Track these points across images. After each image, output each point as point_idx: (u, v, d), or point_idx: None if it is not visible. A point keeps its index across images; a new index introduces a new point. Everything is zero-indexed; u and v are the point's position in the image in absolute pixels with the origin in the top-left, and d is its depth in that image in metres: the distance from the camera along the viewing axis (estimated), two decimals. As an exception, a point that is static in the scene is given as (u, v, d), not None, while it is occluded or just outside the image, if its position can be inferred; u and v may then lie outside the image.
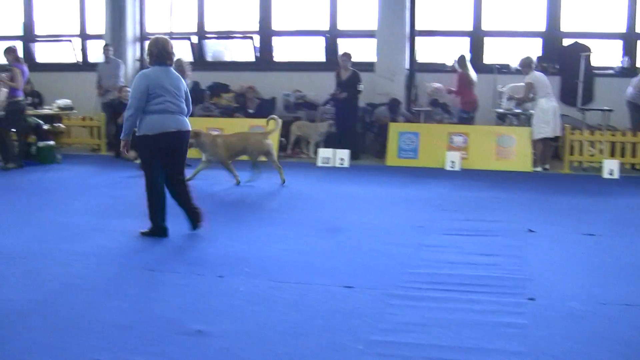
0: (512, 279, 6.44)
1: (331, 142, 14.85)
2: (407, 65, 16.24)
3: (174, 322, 5.30)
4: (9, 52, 13.61)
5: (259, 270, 6.70)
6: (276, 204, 10.23)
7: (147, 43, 8.11)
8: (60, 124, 15.66)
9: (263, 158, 11.83)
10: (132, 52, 18.24)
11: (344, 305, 5.69)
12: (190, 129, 8.17)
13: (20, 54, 19.06)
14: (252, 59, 17.79)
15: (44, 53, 19.62)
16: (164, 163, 7.92)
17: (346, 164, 13.80)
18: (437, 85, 15.79)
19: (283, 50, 17.82)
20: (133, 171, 12.84)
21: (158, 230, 8.03)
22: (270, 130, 12.01)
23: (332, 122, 15.02)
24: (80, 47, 19.14)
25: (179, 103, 7.91)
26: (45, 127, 14.90)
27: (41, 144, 14.32)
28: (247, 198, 10.63)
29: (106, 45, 16.66)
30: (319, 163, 13.99)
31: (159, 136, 7.77)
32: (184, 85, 8.12)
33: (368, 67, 15.86)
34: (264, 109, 16.26)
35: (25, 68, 13.77)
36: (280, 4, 17.59)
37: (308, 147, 15.51)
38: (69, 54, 19.06)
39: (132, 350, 4.81)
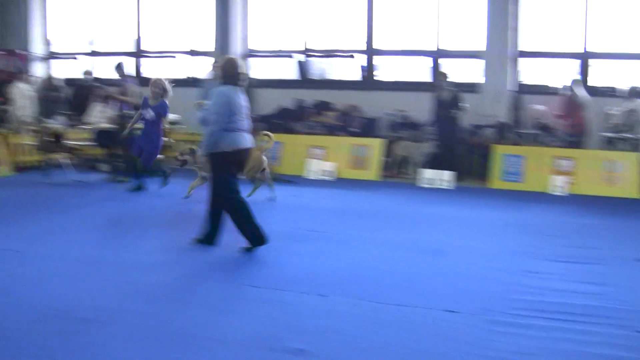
0: (620, 310, 6.26)
1: (435, 163, 14.76)
2: (512, 86, 16.03)
3: (276, 339, 5.35)
4: (118, 68, 14.06)
5: (360, 290, 6.71)
6: (377, 223, 10.21)
7: (220, 62, 8.38)
8: (169, 138, 16.02)
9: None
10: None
11: (447, 330, 5.64)
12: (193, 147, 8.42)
13: (133, 69, 19.77)
14: (357, 77, 17.87)
15: (152, 69, 20.15)
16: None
17: (449, 185, 13.69)
18: (541, 107, 15.54)
19: (388, 70, 17.83)
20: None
21: (255, 240, 8.17)
22: (266, 147, 11.99)
23: (436, 142, 14.93)
24: (189, 63, 19.57)
25: (247, 122, 8.27)
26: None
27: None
28: (347, 216, 10.66)
29: (215, 62, 16.91)
30: (422, 184, 13.93)
31: (235, 152, 8.08)
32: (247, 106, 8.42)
33: (473, 88, 15.73)
34: (368, 128, 16.32)
35: (134, 83, 14.16)
36: (387, 23, 17.60)
37: (409, 167, 15.45)
38: (178, 70, 19.50)
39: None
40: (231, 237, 8.81)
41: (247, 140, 8.20)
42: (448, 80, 14.67)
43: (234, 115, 8.02)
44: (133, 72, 19.82)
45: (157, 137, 12.12)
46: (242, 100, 8.18)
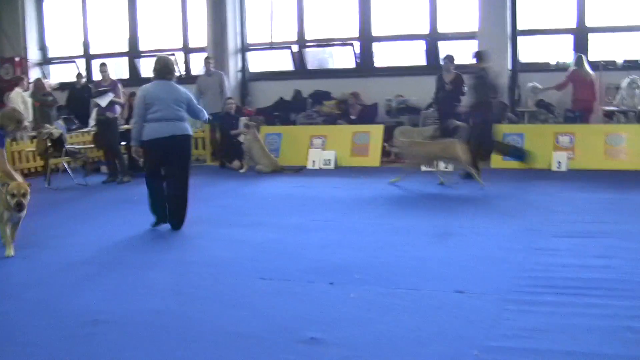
0: (629, 282, 6.29)
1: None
2: (509, 65, 16.04)
3: (290, 330, 5.39)
4: (102, 69, 14.09)
5: (370, 276, 6.75)
6: (382, 210, 10.25)
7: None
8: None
9: None
10: (234, 63, 18.52)
11: (459, 310, 5.68)
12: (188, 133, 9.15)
13: (127, 69, 19.82)
14: (352, 65, 17.87)
15: (148, 68, 20.17)
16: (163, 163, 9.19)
17: (451, 167, 13.72)
18: (535, 84, 15.56)
19: (384, 56, 17.84)
20: (239, 180, 13.14)
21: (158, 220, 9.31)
22: None
23: (436, 126, 14.93)
24: (183, 60, 19.57)
25: (175, 111, 9.02)
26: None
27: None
28: (352, 204, 10.70)
29: (207, 57, 16.92)
30: (424, 168, 13.95)
31: (153, 142, 8.99)
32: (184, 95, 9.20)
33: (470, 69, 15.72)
34: (367, 115, 16.34)
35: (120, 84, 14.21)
36: (379, 9, 17.61)
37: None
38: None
39: (252, 359, 4.93)
40: (238, 232, 8.91)
41: (167, 129, 8.95)
42: (454, 62, 14.65)
43: (152, 108, 8.93)
44: (127, 73, 19.94)
45: None
46: (170, 92, 9.02)
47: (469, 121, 12.60)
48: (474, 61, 13.05)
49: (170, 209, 9.22)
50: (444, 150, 12.18)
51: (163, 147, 8.95)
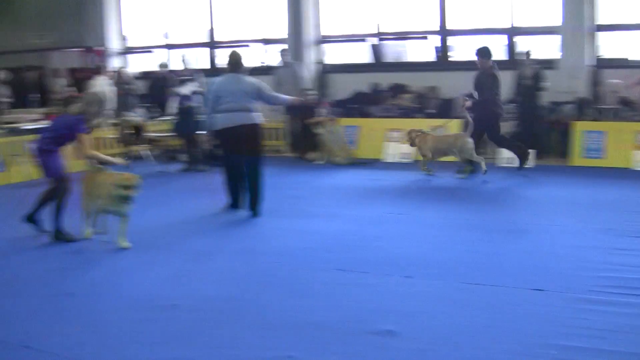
0: None
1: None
2: (590, 61, 15.80)
3: (365, 321, 5.48)
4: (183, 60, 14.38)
5: (446, 271, 6.80)
6: (457, 204, 10.25)
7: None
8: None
9: None
10: (312, 55, 18.62)
11: (535, 308, 5.69)
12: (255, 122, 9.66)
13: (207, 60, 20.09)
14: (431, 58, 17.81)
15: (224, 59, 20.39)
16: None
17: (530, 164, 13.60)
18: (621, 81, 15.28)
19: (463, 50, 17.71)
20: (315, 172, 13.26)
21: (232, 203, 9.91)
22: None
23: (516, 121, 14.81)
24: (261, 51, 19.76)
25: (244, 103, 9.56)
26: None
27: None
28: (426, 198, 10.74)
29: (283, 50, 17.06)
30: (502, 163, 13.85)
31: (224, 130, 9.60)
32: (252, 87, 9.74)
33: (550, 64, 15.54)
34: (444, 109, 16.28)
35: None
36: (459, 3, 17.50)
37: (487, 146, 15.32)
38: (252, 58, 19.70)
39: (326, 349, 5.03)
40: (313, 223, 9.01)
41: (236, 118, 9.49)
42: (531, 57, 14.51)
43: (222, 99, 9.52)
44: (207, 64, 20.20)
45: None
46: (239, 84, 9.55)
47: (472, 116, 12.50)
48: (477, 58, 12.94)
49: (248, 196, 9.73)
50: (453, 144, 12.43)
51: (234, 136, 9.50)
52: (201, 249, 7.90)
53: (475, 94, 12.72)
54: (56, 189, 8.41)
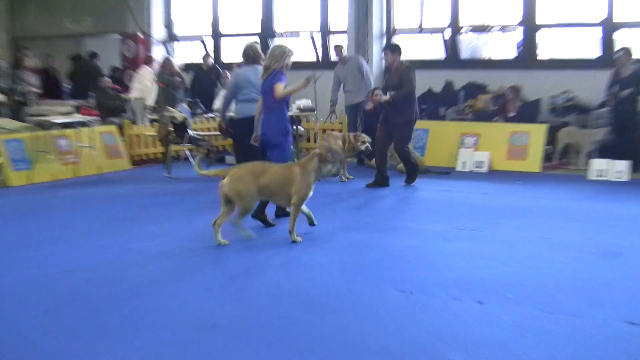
0: None
1: (607, 152, 14.33)
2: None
3: (429, 350, 5.32)
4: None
5: (525, 297, 6.59)
6: (540, 221, 10.02)
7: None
8: (300, 127, 16.15)
9: None
10: (379, 49, 18.49)
11: (627, 345, 5.45)
12: None
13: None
14: (513, 55, 17.54)
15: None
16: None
17: (625, 177, 13.29)
18: None
19: (550, 46, 17.41)
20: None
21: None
22: None
23: (609, 128, 14.51)
24: (320, 43, 19.69)
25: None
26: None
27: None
28: (505, 213, 10.52)
29: (337, 46, 16.88)
30: (592, 176, 13.57)
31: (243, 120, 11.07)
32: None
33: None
34: (526, 112, 16.02)
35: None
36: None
37: (577, 157, 15.08)
38: (308, 51, 19.66)
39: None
40: (373, 237, 8.88)
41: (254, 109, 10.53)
42: (631, 55, 14.18)
43: (243, 90, 11.10)
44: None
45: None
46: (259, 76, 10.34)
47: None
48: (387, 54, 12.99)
49: None
50: None
51: (252, 125, 10.48)
52: (247, 264, 7.82)
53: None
54: None
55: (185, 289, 6.87)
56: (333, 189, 12.26)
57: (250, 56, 11.23)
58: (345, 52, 16.74)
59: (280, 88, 9.52)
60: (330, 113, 16.69)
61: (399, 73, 12.52)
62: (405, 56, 12.76)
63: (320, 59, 19.58)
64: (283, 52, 9.74)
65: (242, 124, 11.06)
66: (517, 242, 8.75)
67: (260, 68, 10.46)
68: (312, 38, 19.66)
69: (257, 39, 20.05)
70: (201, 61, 19.30)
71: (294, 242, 8.64)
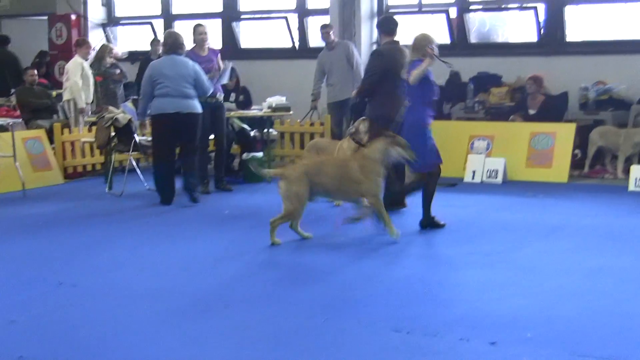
0: None
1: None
2: None
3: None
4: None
5: (549, 336, 6.63)
6: (570, 243, 10.07)
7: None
8: (272, 130, 16.16)
9: None
10: (369, 32, 18.51)
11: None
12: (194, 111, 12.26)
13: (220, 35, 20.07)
14: (534, 38, 17.59)
15: (250, 36, 20.43)
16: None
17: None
18: None
19: (580, 26, 17.46)
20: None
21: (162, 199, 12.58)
22: None
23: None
24: (296, 26, 19.69)
25: (181, 88, 12.07)
26: (252, 133, 15.53)
27: (247, 156, 14.84)
28: (528, 234, 10.58)
29: (324, 26, 16.82)
30: (632, 187, 13.66)
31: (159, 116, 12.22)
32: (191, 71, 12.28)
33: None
34: (551, 109, 16.07)
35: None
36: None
37: (614, 163, 15.16)
38: (282, 36, 19.67)
39: None
40: (367, 264, 8.93)
41: (172, 105, 11.96)
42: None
43: (158, 84, 12.01)
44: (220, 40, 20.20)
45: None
46: (177, 68, 11.93)
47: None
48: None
49: (183, 182, 12.55)
50: None
51: (169, 124, 11.99)
52: (227, 299, 7.84)
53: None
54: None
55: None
56: (321, 207, 12.27)
57: (168, 44, 12.24)
58: (333, 35, 16.62)
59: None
60: (311, 109, 16.69)
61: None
62: (401, 40, 12.52)
63: (297, 46, 19.57)
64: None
65: (157, 121, 12.30)
66: (540, 270, 8.79)
67: (180, 59, 11.51)
68: (287, 20, 19.64)
69: (218, 21, 20.16)
70: (149, 48, 19.26)
71: (395, 237, 9.78)
